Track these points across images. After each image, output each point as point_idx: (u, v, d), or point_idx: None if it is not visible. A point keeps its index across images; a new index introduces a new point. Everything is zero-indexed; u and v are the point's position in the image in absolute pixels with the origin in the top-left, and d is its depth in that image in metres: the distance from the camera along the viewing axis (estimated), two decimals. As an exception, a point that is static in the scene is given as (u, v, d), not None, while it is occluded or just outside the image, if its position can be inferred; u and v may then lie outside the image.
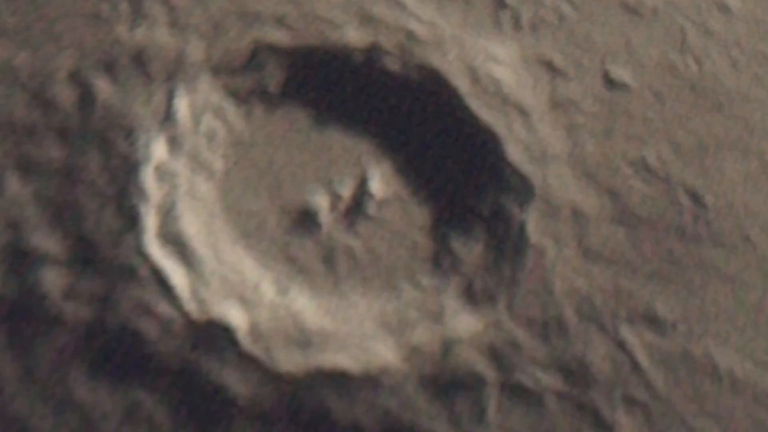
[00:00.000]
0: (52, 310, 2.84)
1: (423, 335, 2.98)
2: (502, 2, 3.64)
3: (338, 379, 2.88)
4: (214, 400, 2.80)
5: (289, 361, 2.87)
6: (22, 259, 2.91)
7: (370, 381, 2.89)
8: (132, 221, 2.99)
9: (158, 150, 3.13)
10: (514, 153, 3.33)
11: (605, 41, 3.66)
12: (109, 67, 3.25)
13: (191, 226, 3.04)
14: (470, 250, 3.15)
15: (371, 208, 3.19)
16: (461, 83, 3.43)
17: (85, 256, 2.93)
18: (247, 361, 2.86)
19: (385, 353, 2.93)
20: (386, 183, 3.25)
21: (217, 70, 3.31)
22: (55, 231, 2.96)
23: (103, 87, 3.20)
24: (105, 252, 2.93)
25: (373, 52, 3.43)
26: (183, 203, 3.07)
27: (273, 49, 3.37)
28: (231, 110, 3.28)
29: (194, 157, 3.17)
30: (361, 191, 3.20)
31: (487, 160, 3.33)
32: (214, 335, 2.87)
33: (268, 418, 2.82)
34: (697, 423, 3.01)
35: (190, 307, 2.89)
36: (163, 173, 3.09)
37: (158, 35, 3.32)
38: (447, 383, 2.92)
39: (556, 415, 2.93)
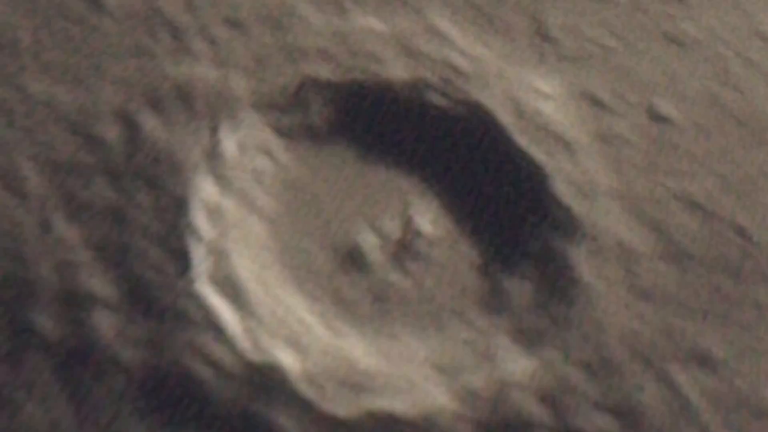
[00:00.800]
0: (106, 354, 2.82)
1: (475, 377, 2.96)
2: (546, 35, 3.62)
3: (391, 421, 2.86)
4: (269, 445, 2.79)
5: (341, 404, 2.86)
6: (74, 302, 2.89)
7: (423, 424, 2.87)
8: (183, 262, 2.97)
9: (207, 188, 3.11)
10: (560, 188, 3.32)
11: (648, 73, 3.64)
12: (155, 104, 3.22)
13: (242, 265, 3.02)
14: (520, 289, 3.13)
15: (420, 247, 3.17)
16: (506, 117, 3.41)
17: (137, 298, 2.91)
18: (300, 403, 2.84)
19: (437, 396, 2.91)
20: (434, 220, 3.23)
21: (262, 106, 3.29)
22: (106, 273, 2.94)
23: (149, 124, 3.18)
24: (157, 294, 2.91)
25: (418, 86, 3.41)
26: (233, 242, 3.05)
27: (318, 84, 3.35)
28: (277, 147, 3.26)
29: (243, 195, 3.15)
30: (410, 229, 3.19)
31: (534, 195, 3.32)
32: (267, 377, 2.85)
33: (323, 463, 2.80)
34: (747, 462, 3.00)
35: (243, 348, 2.87)
36: (212, 212, 3.08)
37: (202, 71, 3.30)
38: (500, 426, 2.90)
39: (610, 457, 2.92)
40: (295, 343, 2.93)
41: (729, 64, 3.74)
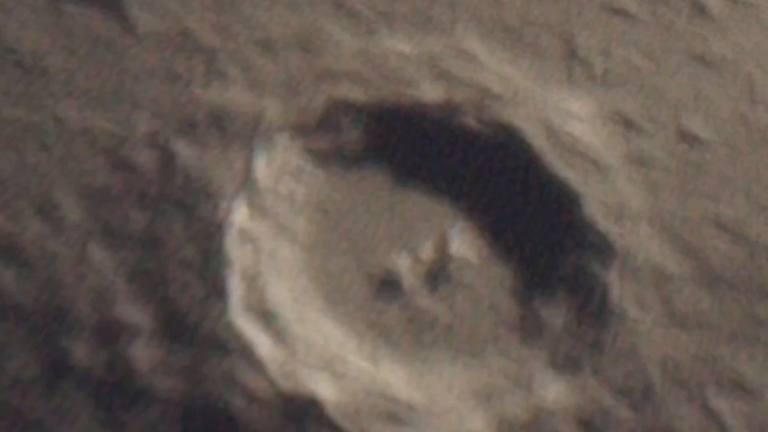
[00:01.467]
0: (142, 383, 2.81)
1: (512, 403, 2.95)
2: (575, 55, 3.61)
3: (428, 449, 2.85)
4: (306, 474, 2.78)
5: (378, 432, 2.85)
6: (109, 330, 2.89)
7: (461, 451, 2.86)
8: (217, 289, 2.97)
9: (240, 214, 3.10)
10: (593, 211, 3.31)
11: (678, 93, 3.63)
12: (187, 129, 3.22)
13: (276, 291, 3.01)
14: (555, 314, 3.13)
15: (454, 271, 3.16)
16: (538, 139, 3.40)
17: (172, 326, 2.91)
18: (337, 432, 2.84)
19: (474, 422, 2.90)
20: (467, 244, 3.22)
21: (294, 130, 3.28)
22: (141, 300, 2.93)
23: (181, 149, 3.18)
24: (192, 322, 2.91)
25: (448, 108, 3.40)
26: (267, 269, 3.05)
27: (349, 107, 3.35)
28: (310, 171, 3.26)
29: (276, 220, 3.14)
30: (443, 253, 3.18)
31: (566, 218, 3.31)
32: (303, 408, 2.84)
33: (360, 491, 2.80)
34: (782, 486, 2.99)
35: (279, 378, 2.86)
36: (245, 238, 3.07)
37: (234, 95, 3.30)
38: (537, 453, 2.90)
39: (647, 484, 2.91)
40: (330, 372, 2.92)
41: (757, 82, 3.72)
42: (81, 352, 2.83)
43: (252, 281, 3.01)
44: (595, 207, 3.31)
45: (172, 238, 3.03)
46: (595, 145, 3.44)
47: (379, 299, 3.08)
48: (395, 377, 2.95)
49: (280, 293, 3.02)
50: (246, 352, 2.88)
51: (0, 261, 2.92)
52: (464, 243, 3.21)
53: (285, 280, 3.06)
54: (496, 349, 3.06)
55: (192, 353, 2.87)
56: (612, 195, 3.36)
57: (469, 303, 3.12)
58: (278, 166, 3.22)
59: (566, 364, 3.04)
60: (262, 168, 3.19)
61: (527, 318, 3.13)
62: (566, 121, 3.46)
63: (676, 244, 3.29)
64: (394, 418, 2.86)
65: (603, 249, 3.24)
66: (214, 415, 2.81)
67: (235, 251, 3.03)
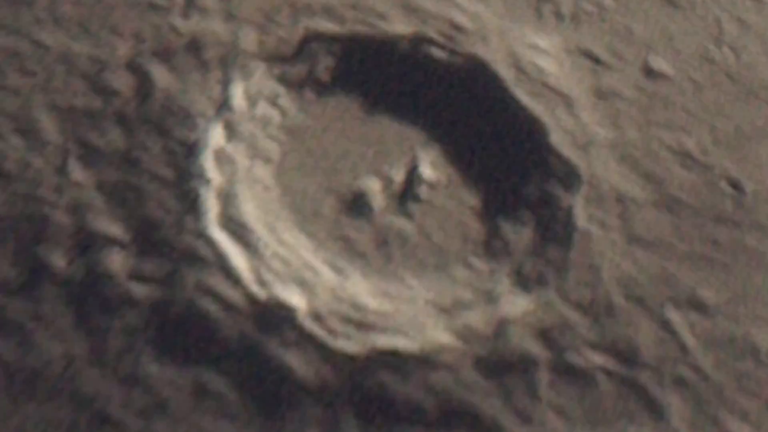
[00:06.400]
0: (119, 291, 2.92)
1: (476, 316, 3.06)
2: (544, -7, 3.73)
3: (395, 358, 2.96)
4: (276, 379, 2.88)
5: (347, 340, 2.96)
6: (88, 242, 2.99)
7: (426, 361, 2.97)
8: (193, 205, 3.07)
9: (216, 136, 3.21)
10: (558, 140, 3.42)
11: (644, 32, 3.74)
12: (165, 55, 3.33)
13: (250, 209, 3.12)
14: (519, 234, 3.24)
15: (422, 192, 3.27)
16: (506, 72, 3.52)
17: (148, 238, 3.01)
18: (307, 341, 2.94)
19: (439, 334, 3.01)
20: (436, 168, 3.33)
21: (269, 58, 3.39)
22: (118, 214, 3.04)
23: (160, 75, 3.28)
24: (167, 235, 3.01)
25: (419, 41, 3.51)
26: (241, 187, 3.16)
27: (323, 38, 3.46)
28: (284, 97, 3.36)
29: (250, 142, 3.25)
30: (412, 176, 3.29)
31: (532, 146, 3.42)
32: (275, 316, 2.95)
33: (329, 397, 2.90)
34: (739, 400, 3.10)
35: (252, 288, 2.97)
36: (221, 158, 3.18)
37: (212, 24, 3.40)
38: (500, 363, 3.00)
39: (606, 393, 3.02)
40: (301, 283, 3.03)
41: (722, 23, 3.84)
42: (59, 260, 2.94)
43: (227, 198, 3.12)
44: (560, 135, 3.43)
45: (149, 157, 3.14)
46: (561, 79, 3.56)
47: (348, 217, 3.19)
48: (363, 289, 3.06)
49: (252, 209, 3.13)
50: (220, 263, 2.99)
51: (-18, 175, 3.03)
52: (433, 165, 3.33)
53: (258, 198, 3.16)
54: (461, 265, 3.17)
55: (168, 263, 2.98)
56: (577, 125, 3.47)
57: (436, 222, 3.23)
58: (254, 91, 3.33)
59: (530, 281, 3.15)
60: (238, 93, 3.30)
61: (493, 237, 3.24)
62: (534, 55, 3.58)
63: (638, 171, 3.40)
64: (362, 324, 2.97)
65: (567, 174, 3.35)
66: (189, 321, 2.92)
67: (211, 170, 3.14)
